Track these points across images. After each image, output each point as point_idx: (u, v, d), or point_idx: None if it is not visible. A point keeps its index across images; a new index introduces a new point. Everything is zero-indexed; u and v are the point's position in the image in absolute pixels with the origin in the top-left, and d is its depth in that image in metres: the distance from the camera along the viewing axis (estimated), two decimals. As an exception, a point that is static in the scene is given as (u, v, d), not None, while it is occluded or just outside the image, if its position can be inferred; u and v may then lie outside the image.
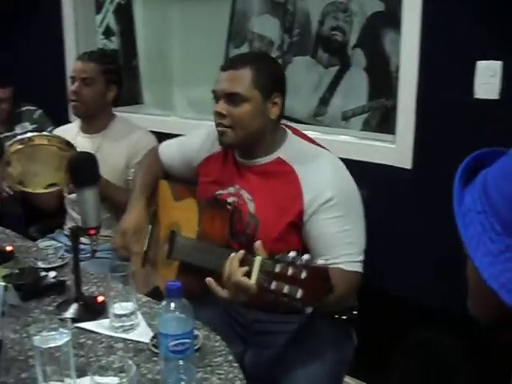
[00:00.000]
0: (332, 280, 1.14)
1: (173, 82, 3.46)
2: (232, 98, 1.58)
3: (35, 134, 2.05)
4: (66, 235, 2.46)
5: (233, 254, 1.34)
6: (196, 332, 1.30)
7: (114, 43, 3.90)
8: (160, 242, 1.85)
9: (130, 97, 3.62)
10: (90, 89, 2.26)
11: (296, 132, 1.72)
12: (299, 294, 1.09)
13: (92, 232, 1.48)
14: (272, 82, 1.62)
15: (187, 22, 3.25)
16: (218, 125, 1.63)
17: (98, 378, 1.01)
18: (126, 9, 3.59)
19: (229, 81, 1.59)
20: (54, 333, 1.13)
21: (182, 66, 3.38)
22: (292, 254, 1.15)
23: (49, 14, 3.49)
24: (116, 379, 1.02)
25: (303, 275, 1.09)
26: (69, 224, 2.47)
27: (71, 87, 2.27)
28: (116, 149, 2.32)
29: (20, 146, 1.93)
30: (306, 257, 1.12)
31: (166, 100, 3.53)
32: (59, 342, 1.11)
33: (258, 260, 1.23)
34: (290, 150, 1.64)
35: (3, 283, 1.51)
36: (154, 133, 2.46)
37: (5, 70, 3.38)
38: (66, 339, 1.12)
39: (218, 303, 1.47)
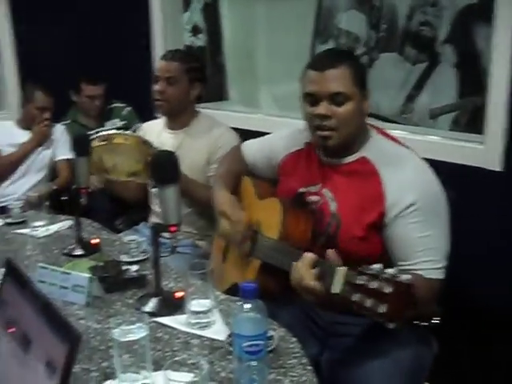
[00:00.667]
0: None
1: (258, 78, 3.46)
2: (336, 98, 1.53)
3: (114, 131, 2.13)
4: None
5: (305, 256, 1.33)
6: (272, 333, 1.30)
7: (200, 40, 3.96)
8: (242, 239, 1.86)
9: (216, 93, 3.67)
10: (173, 88, 2.31)
11: (380, 131, 1.67)
12: (382, 309, 1.05)
13: (173, 229, 1.50)
14: (364, 78, 1.61)
15: (273, 18, 3.24)
16: (320, 128, 1.57)
17: (171, 373, 1.02)
18: (213, 7, 3.63)
19: (331, 80, 1.54)
20: (132, 326, 1.17)
21: (268, 63, 3.38)
22: (376, 266, 1.11)
23: (138, 12, 3.60)
24: (190, 375, 1.03)
25: (388, 290, 1.05)
26: (153, 217, 2.54)
27: (156, 87, 2.33)
28: (198, 145, 2.36)
29: (101, 143, 2.02)
30: (391, 271, 1.08)
31: (252, 97, 3.54)
32: (137, 336, 1.14)
33: (341, 270, 1.19)
34: (374, 149, 1.60)
35: (89, 275, 1.57)
36: (238, 130, 2.47)
37: (97, 68, 3.53)
38: (144, 334, 1.15)
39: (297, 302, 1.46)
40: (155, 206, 2.46)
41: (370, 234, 1.54)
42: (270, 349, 1.24)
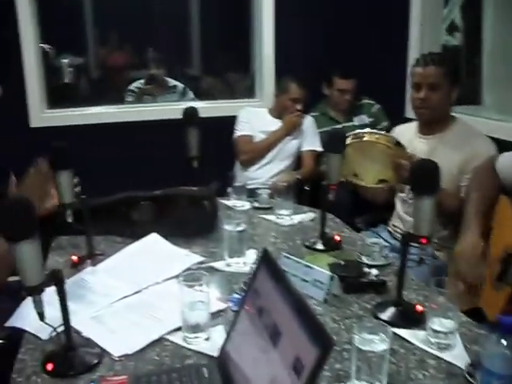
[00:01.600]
0: None
1: (517, 85, 3.19)
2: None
3: (367, 130, 2.12)
4: (389, 232, 2.50)
5: None
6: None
7: (456, 40, 3.77)
8: (490, 261, 1.73)
9: (469, 96, 3.46)
10: (436, 94, 2.24)
11: None
12: None
13: (423, 241, 1.44)
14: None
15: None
16: None
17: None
18: (475, 5, 3.41)
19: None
20: (374, 336, 1.14)
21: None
22: None
23: (395, 7, 3.54)
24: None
25: None
26: (394, 221, 2.49)
27: (418, 94, 2.27)
28: (451, 153, 2.24)
29: (352, 141, 2.02)
30: None
31: (509, 104, 3.26)
32: (378, 348, 1.11)
33: None
34: None
35: (330, 273, 1.59)
36: (492, 139, 2.30)
37: (350, 63, 3.56)
38: (385, 347, 1.12)
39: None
40: (401, 211, 2.41)
41: None
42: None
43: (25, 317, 1.43)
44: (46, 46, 3.77)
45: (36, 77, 3.39)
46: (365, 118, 3.62)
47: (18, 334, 1.42)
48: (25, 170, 1.81)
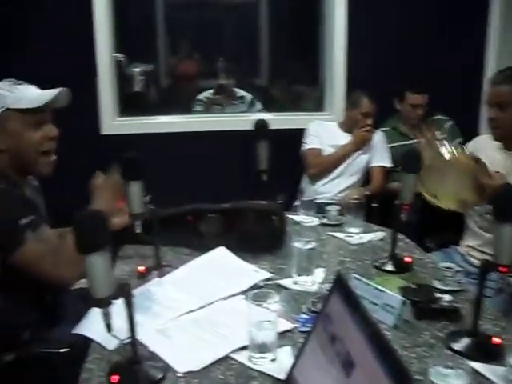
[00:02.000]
0: None
1: None
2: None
3: (447, 149, 2.05)
4: (461, 254, 2.40)
5: None
6: None
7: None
8: None
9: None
10: (505, 113, 2.14)
11: None
12: None
13: (503, 269, 1.36)
14: None
15: None
16: None
17: None
18: None
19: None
20: (450, 371, 1.08)
21: None
22: None
23: (472, 25, 3.43)
24: None
25: None
26: (467, 240, 2.40)
27: (488, 113, 2.20)
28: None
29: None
30: None
31: None
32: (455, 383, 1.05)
33: None
34: None
35: (402, 297, 1.52)
36: None
37: (423, 78, 3.47)
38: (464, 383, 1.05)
39: None
40: (475, 226, 2.33)
41: None
42: None
43: (92, 326, 1.44)
44: (118, 55, 3.86)
45: (109, 85, 3.47)
46: (437, 135, 3.50)
47: (84, 342, 1.43)
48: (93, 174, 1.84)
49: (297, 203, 2.46)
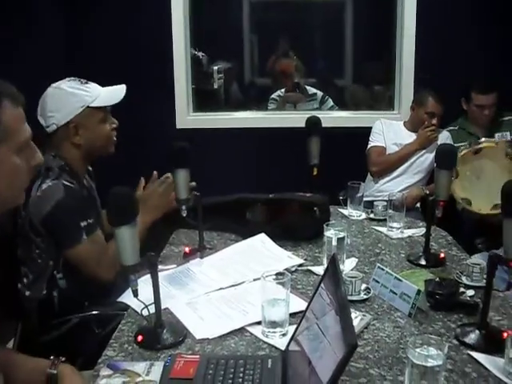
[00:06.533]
0: None
1: None
2: None
3: (484, 139, 2.04)
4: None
5: None
6: None
7: None
8: None
9: None
10: None
11: None
12: None
13: (511, 264, 1.40)
14: None
15: None
16: None
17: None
18: None
19: None
20: (432, 352, 1.15)
21: None
22: None
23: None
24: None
25: None
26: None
27: None
28: None
29: (466, 150, 1.96)
30: None
31: None
32: (432, 363, 1.12)
33: None
34: None
35: (417, 287, 1.59)
36: None
37: (492, 76, 3.42)
38: (439, 363, 1.12)
39: None
40: None
41: None
42: None
43: (130, 295, 1.62)
44: (199, 54, 4.08)
45: (184, 81, 3.69)
46: (507, 135, 3.42)
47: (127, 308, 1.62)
48: (168, 167, 2.03)
49: (341, 196, 2.54)
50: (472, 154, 2.02)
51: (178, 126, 3.73)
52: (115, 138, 2.04)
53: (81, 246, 1.84)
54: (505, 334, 1.42)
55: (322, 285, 1.22)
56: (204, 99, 4.01)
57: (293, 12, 4.48)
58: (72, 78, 1.96)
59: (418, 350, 1.14)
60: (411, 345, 1.15)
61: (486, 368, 1.32)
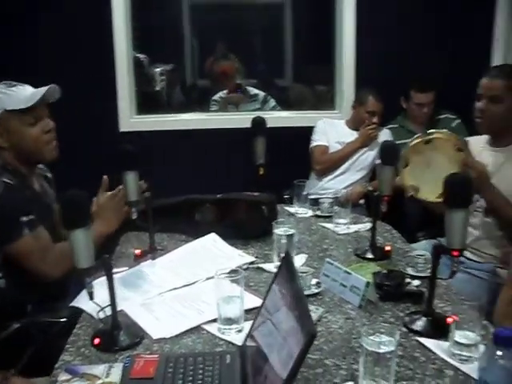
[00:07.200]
0: None
1: None
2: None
3: (435, 130, 2.13)
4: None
5: None
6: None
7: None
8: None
9: None
10: (496, 106, 2.21)
11: None
12: None
13: (455, 253, 1.48)
14: None
15: None
16: None
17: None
18: None
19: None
20: (384, 339, 1.20)
21: None
22: None
23: (478, 24, 3.51)
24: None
25: None
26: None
27: (477, 104, 2.26)
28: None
29: (418, 140, 2.04)
30: None
31: None
32: (384, 350, 1.18)
33: None
34: None
35: (366, 279, 1.65)
36: None
37: (430, 76, 3.56)
38: (392, 349, 1.18)
39: None
40: None
41: None
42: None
43: (85, 299, 1.61)
44: (141, 56, 4.06)
45: (127, 84, 3.66)
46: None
47: (79, 314, 1.61)
48: (112, 169, 2.01)
49: (287, 195, 2.60)
50: (423, 144, 2.10)
51: (122, 128, 3.70)
52: (54, 142, 2.01)
53: (23, 240, 1.83)
54: (449, 320, 1.49)
55: (276, 282, 1.26)
56: (147, 102, 3.99)
57: (233, 14, 4.53)
58: (3, 82, 1.94)
59: (371, 337, 1.19)
60: (364, 333, 1.20)
61: (433, 352, 1.39)
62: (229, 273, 1.50)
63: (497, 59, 3.55)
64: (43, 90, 1.93)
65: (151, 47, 4.15)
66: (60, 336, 1.69)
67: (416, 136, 2.11)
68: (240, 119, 3.87)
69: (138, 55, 4.03)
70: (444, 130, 2.16)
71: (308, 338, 0.93)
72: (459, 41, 3.70)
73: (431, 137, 2.08)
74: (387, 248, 2.05)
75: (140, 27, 3.82)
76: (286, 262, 1.24)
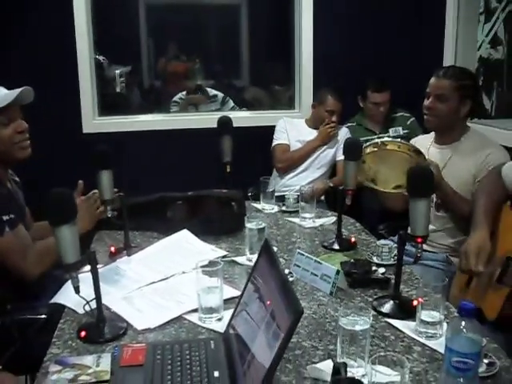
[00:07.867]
0: None
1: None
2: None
3: (389, 139, 2.25)
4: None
5: None
6: (495, 360, 1.31)
7: (499, 53, 3.84)
8: (491, 265, 1.85)
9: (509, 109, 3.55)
10: (443, 104, 2.37)
11: None
12: None
13: (419, 240, 1.58)
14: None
15: None
16: None
17: (380, 367, 1.13)
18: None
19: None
20: (358, 318, 1.30)
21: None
22: None
23: (431, 24, 3.67)
24: (395, 373, 1.13)
25: None
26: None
27: (425, 102, 2.41)
28: (465, 162, 2.37)
29: (374, 149, 2.16)
30: None
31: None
32: (360, 328, 1.27)
33: None
34: None
35: (336, 268, 1.75)
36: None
37: (385, 76, 3.70)
38: (366, 327, 1.27)
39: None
40: None
41: None
42: (487, 374, 1.26)
43: (66, 295, 1.65)
44: (100, 58, 4.07)
45: (89, 86, 3.67)
46: (400, 130, 3.73)
47: (59, 310, 1.64)
48: (76, 170, 2.04)
49: (251, 192, 2.69)
50: (377, 150, 2.21)
51: (85, 130, 3.71)
52: (27, 142, 2.04)
53: (3, 239, 1.86)
54: (415, 302, 1.61)
55: (254, 274, 1.34)
56: (108, 103, 4.01)
57: (189, 15, 4.58)
58: None
59: (348, 317, 1.29)
60: (342, 314, 1.29)
61: (401, 331, 1.50)
62: (207, 265, 1.57)
63: (448, 61, 3.71)
64: (17, 91, 1.95)
65: (110, 49, 4.17)
66: (40, 333, 1.73)
67: (370, 143, 2.21)
68: (200, 119, 3.95)
69: (98, 57, 4.04)
70: (397, 140, 2.27)
71: (295, 316, 1.01)
72: (413, 42, 3.86)
73: (386, 148, 2.19)
74: (353, 239, 2.16)
75: (98, 29, 3.83)
76: (266, 249, 1.32)
